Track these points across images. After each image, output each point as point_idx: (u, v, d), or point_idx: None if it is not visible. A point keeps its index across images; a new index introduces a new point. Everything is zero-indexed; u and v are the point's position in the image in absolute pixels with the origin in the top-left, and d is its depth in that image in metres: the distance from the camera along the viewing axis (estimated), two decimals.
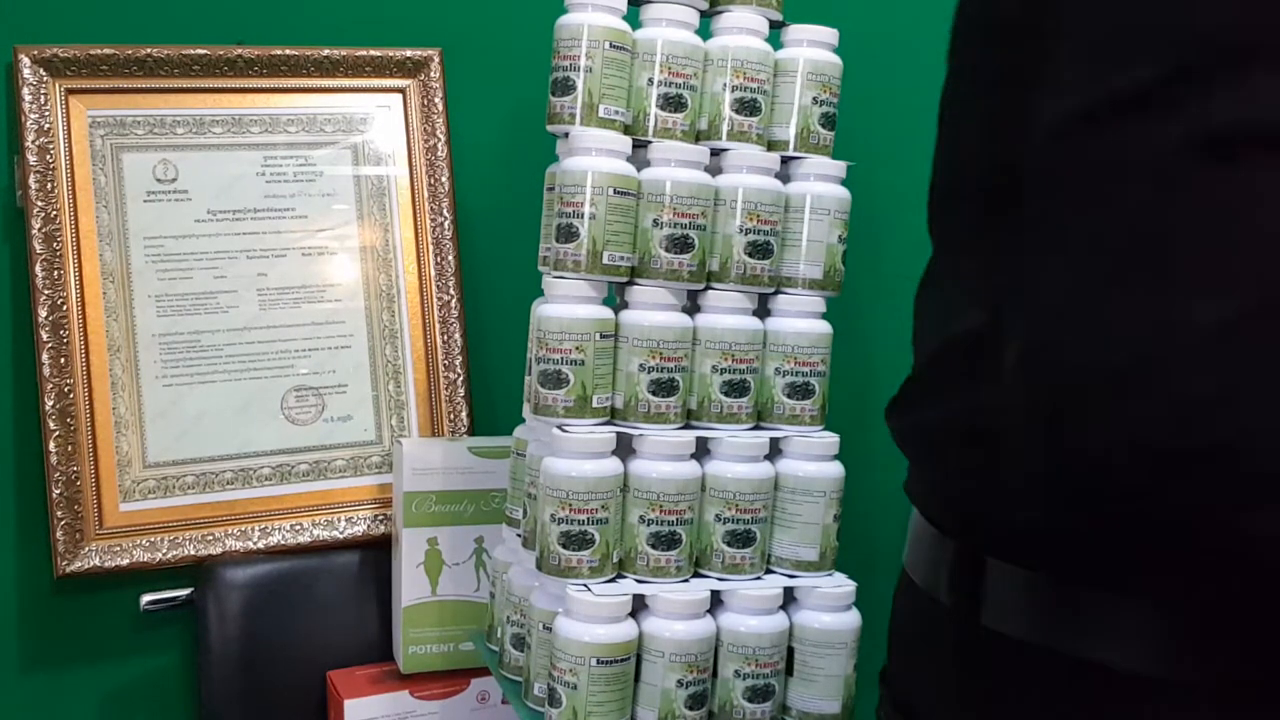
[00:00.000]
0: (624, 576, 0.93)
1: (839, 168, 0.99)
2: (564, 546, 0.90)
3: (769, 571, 0.97)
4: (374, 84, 1.29)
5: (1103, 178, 0.63)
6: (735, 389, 0.95)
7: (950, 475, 0.74)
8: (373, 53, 1.29)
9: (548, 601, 0.94)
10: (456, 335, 1.31)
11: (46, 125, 1.18)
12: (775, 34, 1.00)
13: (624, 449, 0.93)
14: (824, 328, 0.98)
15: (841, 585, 0.96)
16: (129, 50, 1.20)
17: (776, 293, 0.98)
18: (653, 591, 0.91)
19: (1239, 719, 0.63)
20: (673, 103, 0.95)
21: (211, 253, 1.23)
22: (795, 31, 0.99)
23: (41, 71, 1.18)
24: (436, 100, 1.31)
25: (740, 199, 0.94)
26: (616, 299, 0.97)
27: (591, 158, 0.92)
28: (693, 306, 0.97)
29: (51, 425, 1.16)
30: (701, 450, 0.95)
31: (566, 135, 0.95)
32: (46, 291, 1.17)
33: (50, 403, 1.16)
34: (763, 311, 0.98)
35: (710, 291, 0.96)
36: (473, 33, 1.35)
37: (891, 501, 1.45)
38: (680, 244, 0.93)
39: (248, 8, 1.27)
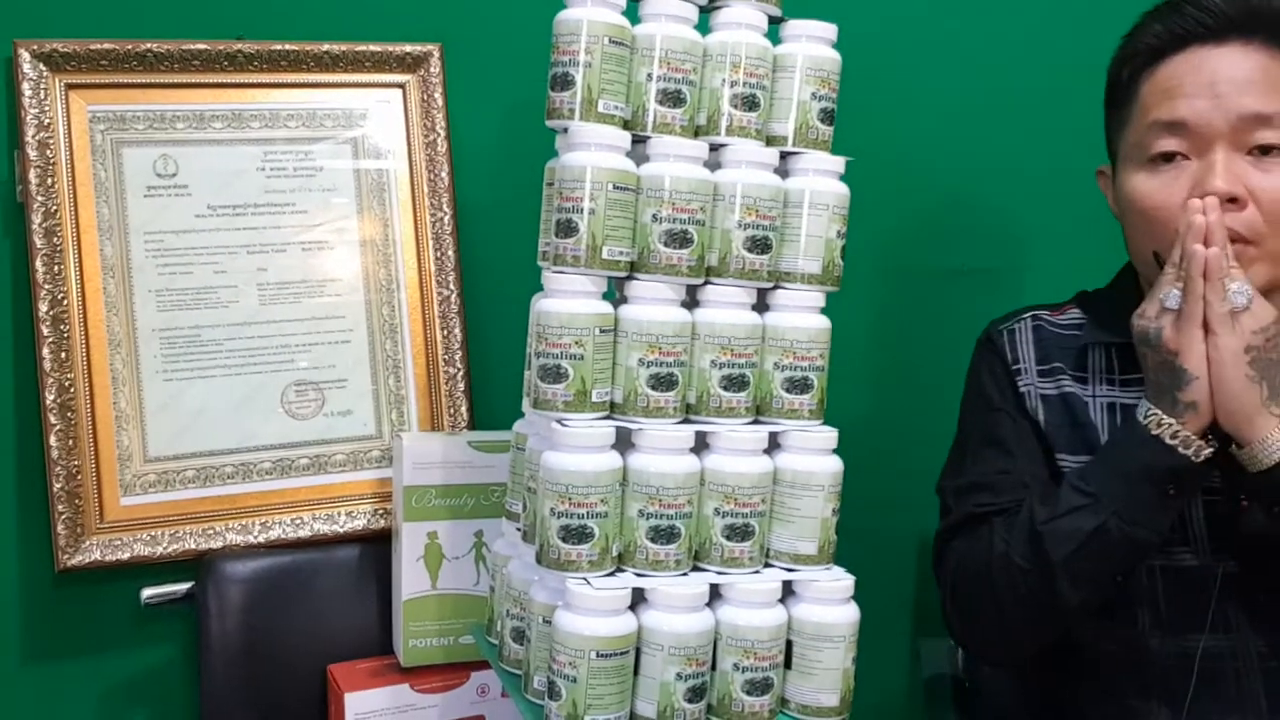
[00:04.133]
0: (623, 570, 0.93)
1: (838, 163, 0.99)
2: (563, 540, 0.91)
3: (768, 565, 0.97)
4: (374, 79, 1.30)
5: None
6: (734, 383, 0.95)
7: None
8: (372, 48, 1.29)
9: (547, 595, 0.94)
10: (456, 330, 1.31)
11: (46, 120, 1.18)
12: (774, 29, 1.00)
13: (623, 443, 0.93)
14: (822, 322, 0.98)
15: (840, 579, 0.96)
16: (129, 45, 1.20)
17: (775, 287, 0.98)
18: (652, 585, 0.92)
19: None
20: (671, 98, 0.95)
21: (212, 247, 1.24)
22: (794, 27, 0.99)
23: (41, 66, 1.18)
24: (436, 95, 1.31)
25: (739, 194, 0.95)
26: (616, 294, 0.97)
27: (591, 153, 0.92)
28: (692, 301, 0.97)
29: (52, 419, 1.16)
30: (700, 444, 0.95)
31: (566, 130, 0.95)
32: (47, 286, 1.17)
33: (51, 397, 1.16)
34: (761, 306, 0.98)
35: (709, 286, 0.96)
36: (472, 28, 1.35)
37: (889, 495, 1.45)
38: (679, 239, 0.93)
39: (248, 3, 1.27)
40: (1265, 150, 1.04)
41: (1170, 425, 1.00)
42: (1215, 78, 1.04)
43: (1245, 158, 1.04)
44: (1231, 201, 1.03)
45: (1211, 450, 1.00)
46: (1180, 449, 0.99)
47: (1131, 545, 1.02)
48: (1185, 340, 0.99)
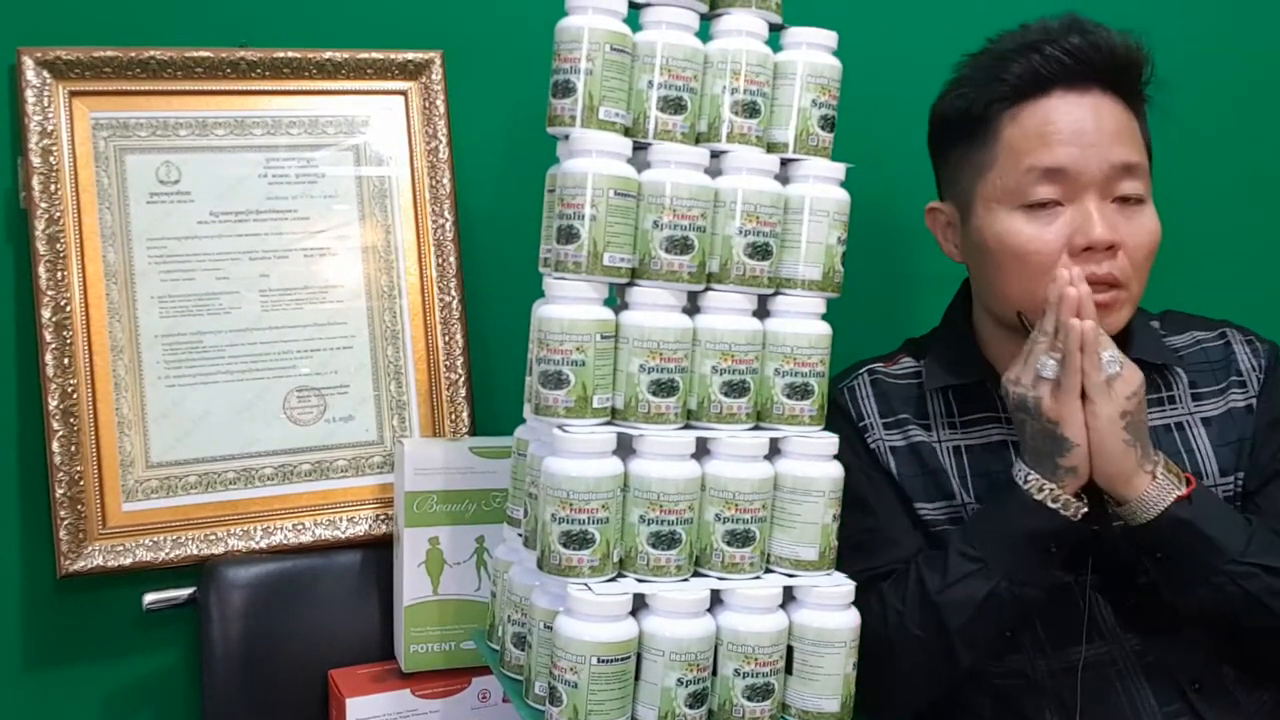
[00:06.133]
0: (624, 575, 0.94)
1: (838, 169, 0.99)
2: (565, 546, 0.91)
3: (768, 570, 0.97)
4: (376, 86, 1.30)
5: None
6: (735, 389, 0.95)
7: None
8: (374, 55, 1.29)
9: (548, 600, 0.94)
10: (458, 336, 1.31)
11: (50, 127, 1.18)
12: (774, 37, 1.00)
13: (624, 449, 0.94)
14: (823, 328, 0.98)
15: (840, 584, 0.97)
16: (132, 52, 1.21)
17: (776, 294, 0.99)
18: (653, 590, 0.92)
19: None
20: (672, 105, 0.96)
21: (214, 254, 1.24)
22: (794, 34, 1.00)
23: (45, 73, 1.18)
24: (438, 102, 1.31)
25: (740, 200, 0.95)
26: (617, 300, 0.97)
27: (592, 160, 0.92)
28: (693, 307, 0.97)
29: (55, 425, 1.17)
30: (701, 450, 0.96)
31: (567, 137, 0.95)
32: (50, 292, 1.17)
33: (53, 403, 1.17)
34: (762, 312, 0.99)
35: (710, 292, 0.96)
36: (474, 35, 1.35)
37: None
38: (680, 245, 0.94)
39: (250, 10, 1.28)
40: (1125, 199, 1.09)
41: (1051, 490, 1.04)
42: (1087, 126, 1.07)
43: (1111, 205, 1.08)
44: (1108, 249, 1.07)
45: (1086, 509, 1.05)
46: (1061, 511, 1.04)
47: (1021, 604, 1.07)
48: (1066, 410, 1.02)
